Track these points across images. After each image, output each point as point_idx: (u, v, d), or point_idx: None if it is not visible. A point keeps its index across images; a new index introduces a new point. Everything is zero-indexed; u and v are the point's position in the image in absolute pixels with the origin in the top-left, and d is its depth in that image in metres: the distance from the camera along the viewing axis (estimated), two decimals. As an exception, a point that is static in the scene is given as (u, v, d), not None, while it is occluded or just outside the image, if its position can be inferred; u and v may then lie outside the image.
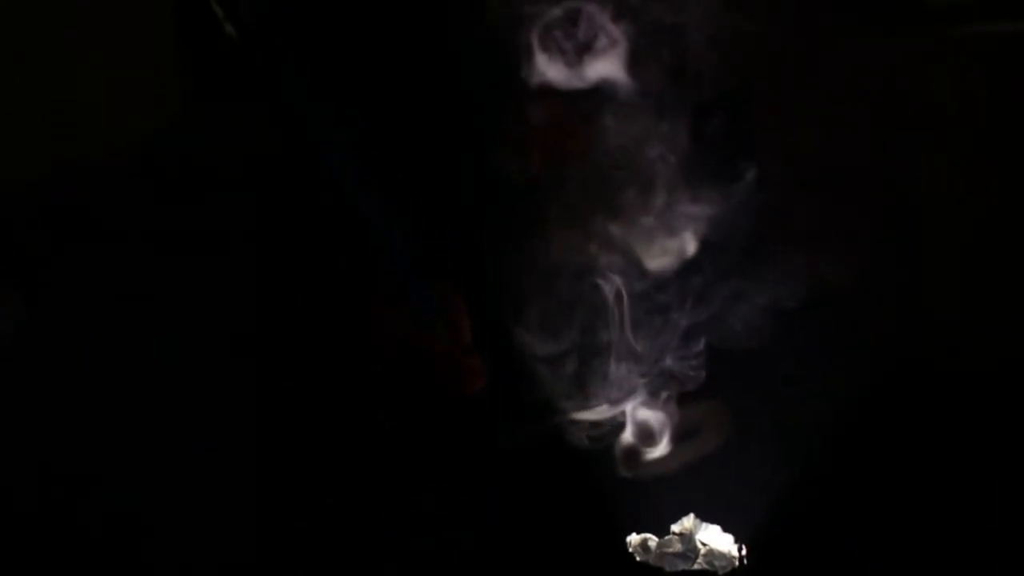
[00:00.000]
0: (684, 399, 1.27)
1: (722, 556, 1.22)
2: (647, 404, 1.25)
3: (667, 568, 1.22)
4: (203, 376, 1.63)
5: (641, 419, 1.26)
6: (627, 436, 1.26)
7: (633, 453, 1.26)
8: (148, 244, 1.66)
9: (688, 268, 1.28)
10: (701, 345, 1.26)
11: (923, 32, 1.39)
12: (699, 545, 1.22)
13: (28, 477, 1.45)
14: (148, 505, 1.44)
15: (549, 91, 1.29)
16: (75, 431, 1.54)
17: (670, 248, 1.27)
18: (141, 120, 1.78)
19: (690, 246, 1.28)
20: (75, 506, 1.47)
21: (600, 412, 1.25)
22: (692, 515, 1.23)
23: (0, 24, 1.71)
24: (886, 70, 1.38)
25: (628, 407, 1.25)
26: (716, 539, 1.23)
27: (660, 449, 1.27)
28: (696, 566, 1.22)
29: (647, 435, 1.26)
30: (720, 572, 1.22)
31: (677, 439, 1.27)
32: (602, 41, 1.26)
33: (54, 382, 1.62)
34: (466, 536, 1.30)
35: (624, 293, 1.26)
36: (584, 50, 1.26)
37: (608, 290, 1.26)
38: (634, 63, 1.26)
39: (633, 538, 1.24)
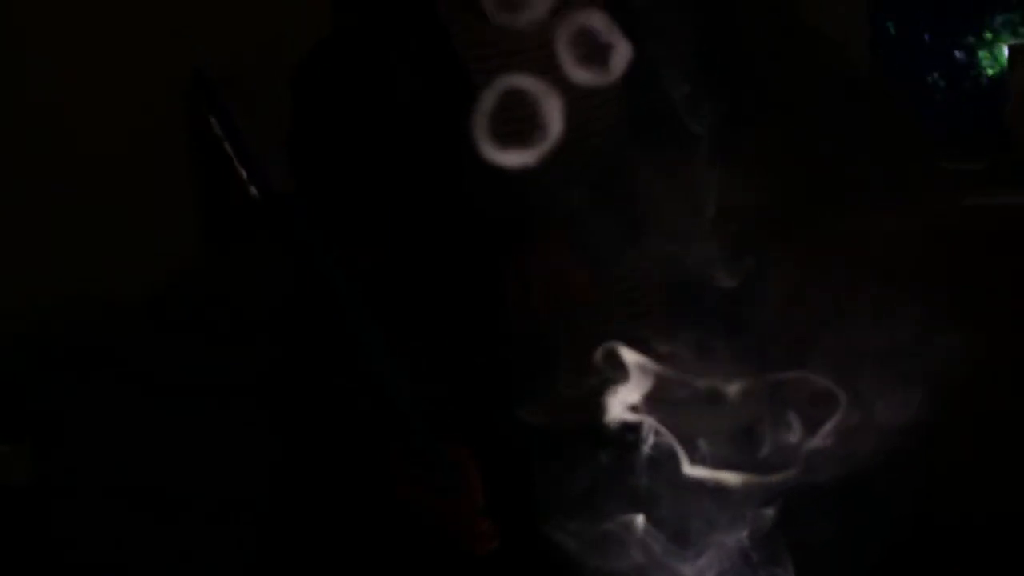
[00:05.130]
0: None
1: None
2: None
3: None
4: (214, 525, 1.62)
5: None
6: None
7: None
8: (164, 387, 1.66)
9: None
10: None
11: (936, 200, 1.40)
12: None
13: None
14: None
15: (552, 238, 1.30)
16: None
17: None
18: (160, 266, 1.79)
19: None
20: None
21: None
22: None
23: (23, 176, 1.73)
24: (900, 237, 1.39)
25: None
26: None
27: None
28: None
29: None
30: None
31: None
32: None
33: (65, 528, 1.61)
34: None
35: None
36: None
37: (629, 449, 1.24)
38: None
39: None
